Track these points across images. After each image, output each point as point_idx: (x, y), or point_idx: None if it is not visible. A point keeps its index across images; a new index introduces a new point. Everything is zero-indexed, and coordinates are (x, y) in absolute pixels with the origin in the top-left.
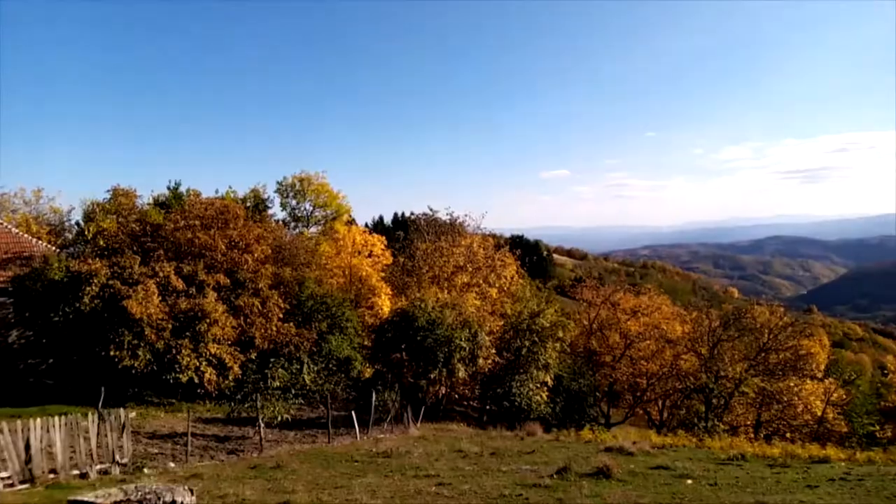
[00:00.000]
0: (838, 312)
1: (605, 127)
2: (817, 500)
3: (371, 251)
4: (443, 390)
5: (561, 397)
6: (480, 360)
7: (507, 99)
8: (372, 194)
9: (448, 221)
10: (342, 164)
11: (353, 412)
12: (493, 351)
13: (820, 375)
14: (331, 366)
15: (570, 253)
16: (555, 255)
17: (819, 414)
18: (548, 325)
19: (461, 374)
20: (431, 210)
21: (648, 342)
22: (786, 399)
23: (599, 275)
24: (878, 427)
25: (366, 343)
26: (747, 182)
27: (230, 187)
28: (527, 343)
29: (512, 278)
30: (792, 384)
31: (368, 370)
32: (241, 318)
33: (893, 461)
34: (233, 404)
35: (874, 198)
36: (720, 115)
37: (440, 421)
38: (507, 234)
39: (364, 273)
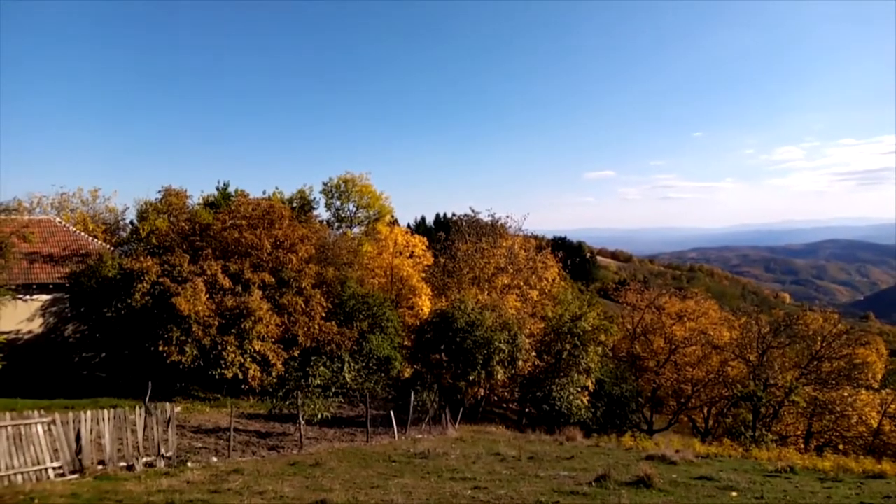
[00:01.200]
0: None
1: (651, 127)
2: None
3: (412, 252)
4: (481, 392)
5: (602, 402)
6: (520, 363)
7: (551, 98)
8: (415, 195)
9: (489, 222)
10: (386, 165)
11: (391, 412)
12: (533, 353)
13: (876, 386)
14: (371, 365)
15: (614, 255)
16: (598, 258)
17: (875, 426)
18: (590, 328)
19: (500, 376)
20: (473, 211)
21: (694, 348)
22: (839, 409)
23: (644, 278)
24: None
25: (406, 343)
26: (801, 184)
27: (277, 188)
28: (568, 346)
29: (553, 280)
30: (846, 394)
31: (408, 370)
32: (285, 316)
33: None
34: (275, 401)
35: None
36: (771, 115)
37: (479, 423)
38: (550, 236)
39: (405, 273)
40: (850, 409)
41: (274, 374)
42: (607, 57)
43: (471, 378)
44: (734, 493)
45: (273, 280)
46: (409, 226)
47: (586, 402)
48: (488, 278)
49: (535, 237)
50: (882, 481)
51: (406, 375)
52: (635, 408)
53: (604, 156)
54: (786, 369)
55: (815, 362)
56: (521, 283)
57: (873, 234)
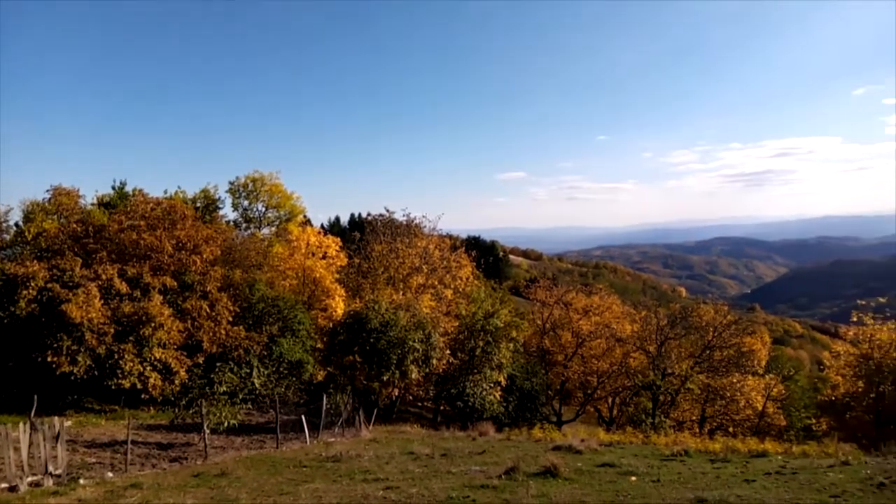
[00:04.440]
0: (780, 310)
1: (559, 130)
2: (753, 495)
3: (326, 253)
4: (396, 392)
5: (514, 396)
6: (434, 361)
7: (466, 101)
8: (329, 196)
9: (404, 223)
10: (298, 165)
11: (303, 416)
12: (448, 352)
13: (761, 371)
14: (282, 369)
15: (525, 254)
16: (511, 256)
17: (760, 409)
18: (502, 325)
19: (414, 375)
20: (388, 211)
21: (599, 341)
22: (729, 395)
23: (553, 275)
24: (814, 420)
25: (319, 346)
26: (695, 185)
27: (179, 187)
28: (481, 343)
29: (467, 279)
30: (735, 380)
31: (321, 373)
32: (189, 321)
33: (826, 454)
34: (177, 410)
35: (814, 200)
36: (668, 120)
37: (393, 423)
38: (464, 236)
39: (318, 275)
40: (739, 394)
41: (177, 382)
42: (518, 61)
43: (385, 378)
44: (633, 478)
45: (175, 284)
46: (322, 226)
47: (499, 398)
48: (403, 278)
49: (451, 237)
50: (765, 459)
51: (319, 379)
52: (545, 400)
53: (515, 157)
54: (682, 359)
55: (708, 351)
56: (436, 283)
57: (759, 232)
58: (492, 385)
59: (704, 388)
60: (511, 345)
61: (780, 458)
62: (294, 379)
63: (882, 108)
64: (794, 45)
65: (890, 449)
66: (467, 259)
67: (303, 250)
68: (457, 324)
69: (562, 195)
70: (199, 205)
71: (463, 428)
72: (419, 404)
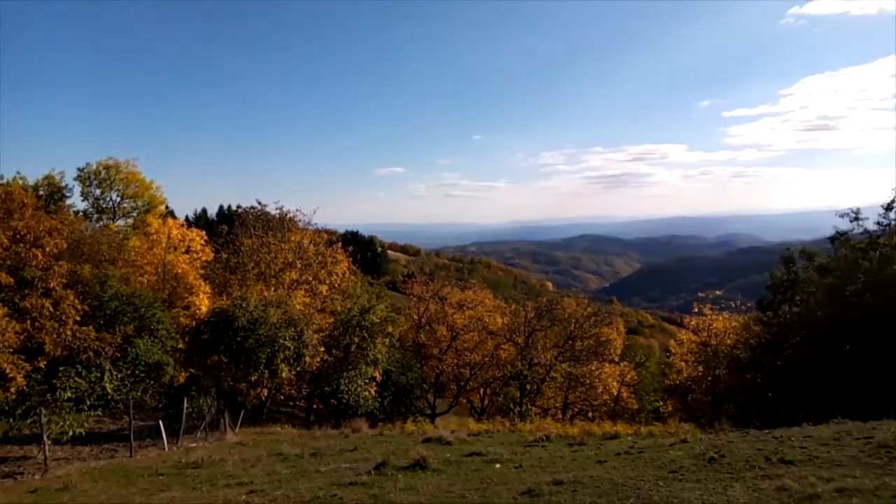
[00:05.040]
0: (634, 303)
1: (437, 127)
2: (604, 474)
3: (189, 247)
4: (266, 392)
5: (389, 391)
6: (307, 359)
7: (343, 94)
8: (198, 187)
9: (277, 216)
10: (159, 152)
11: (160, 421)
12: (322, 349)
13: (617, 359)
14: (138, 372)
15: (403, 249)
16: (389, 252)
17: (615, 394)
18: (378, 320)
19: (285, 374)
20: (260, 204)
21: (473, 334)
22: (588, 382)
23: (430, 270)
24: (661, 403)
25: (180, 346)
26: (562, 185)
27: (19, 172)
28: (356, 339)
29: (344, 275)
30: (594, 368)
31: (182, 375)
32: (28, 321)
33: (669, 433)
34: (12, 420)
35: (665, 202)
36: (537, 123)
37: (263, 424)
38: (342, 231)
39: (180, 270)
40: (597, 380)
41: (13, 389)
42: (396, 58)
43: (253, 378)
44: (498, 465)
45: (11, 280)
46: (187, 218)
47: (374, 393)
48: (275, 274)
49: (327, 231)
50: (617, 441)
51: (180, 381)
52: (420, 394)
53: (395, 153)
54: (547, 349)
55: (570, 341)
56: (311, 279)
57: (618, 230)
58: (367, 381)
59: (567, 377)
60: (387, 340)
61: (630, 439)
62: (152, 382)
63: (722, 119)
64: (648, 60)
65: (722, 426)
66: (344, 254)
67: (163, 244)
68: (332, 320)
69: (440, 192)
70: (42, 192)
71: (336, 426)
72: (291, 404)
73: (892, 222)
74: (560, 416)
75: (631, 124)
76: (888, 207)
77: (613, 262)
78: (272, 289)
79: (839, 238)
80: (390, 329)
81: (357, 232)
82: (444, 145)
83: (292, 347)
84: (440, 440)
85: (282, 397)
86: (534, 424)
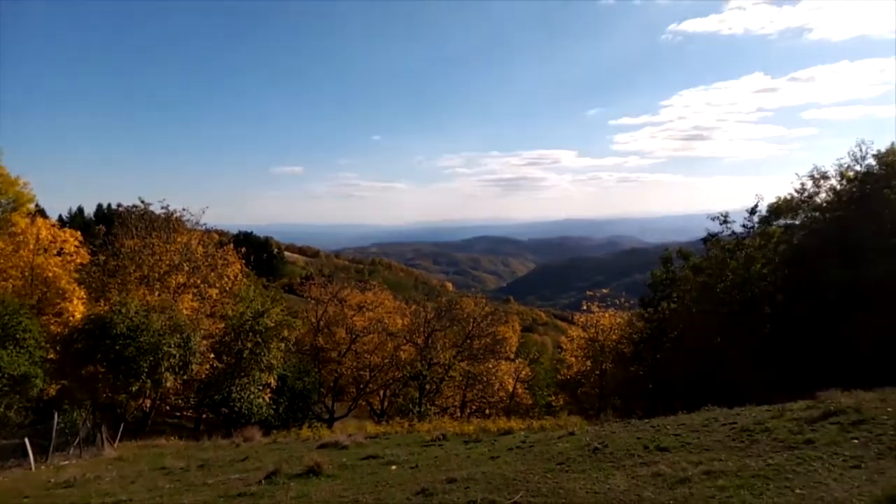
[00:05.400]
0: (529, 301)
1: (337, 127)
2: (496, 470)
3: (62, 248)
4: (149, 403)
5: (285, 398)
6: (195, 367)
7: (238, 92)
8: (72, 184)
9: (163, 216)
10: (26, 145)
11: (26, 438)
12: (212, 355)
13: (512, 357)
14: (1, 386)
15: (302, 251)
16: (287, 253)
17: (511, 390)
18: (273, 324)
19: (170, 383)
20: (143, 202)
21: (372, 336)
22: (485, 379)
23: (330, 272)
24: (553, 397)
25: (51, 356)
26: (462, 188)
27: None
28: (249, 345)
29: (236, 277)
30: (491, 366)
31: (53, 388)
32: None
33: (559, 426)
34: None
35: (558, 205)
36: (438, 126)
37: (147, 437)
38: (236, 231)
39: (51, 274)
40: (494, 378)
41: None
42: (295, 57)
43: (134, 389)
44: (394, 467)
45: None
46: (61, 218)
47: (268, 400)
48: (160, 277)
49: (220, 232)
50: (510, 436)
51: (51, 394)
52: (317, 399)
53: (292, 152)
54: (446, 348)
55: (468, 340)
56: (199, 282)
57: (514, 232)
58: (261, 388)
59: (465, 375)
60: (282, 344)
61: (522, 433)
62: (17, 396)
63: (609, 127)
64: (541, 68)
65: (607, 418)
66: (236, 256)
67: (31, 245)
68: (223, 325)
69: (340, 192)
70: None
71: (227, 435)
72: (178, 415)
73: (756, 225)
74: (458, 415)
75: (525, 130)
76: (752, 211)
77: (510, 262)
78: (156, 293)
79: (710, 239)
80: (286, 333)
81: (251, 233)
82: (344, 145)
83: (178, 355)
84: (336, 445)
85: (167, 408)
86: (432, 424)
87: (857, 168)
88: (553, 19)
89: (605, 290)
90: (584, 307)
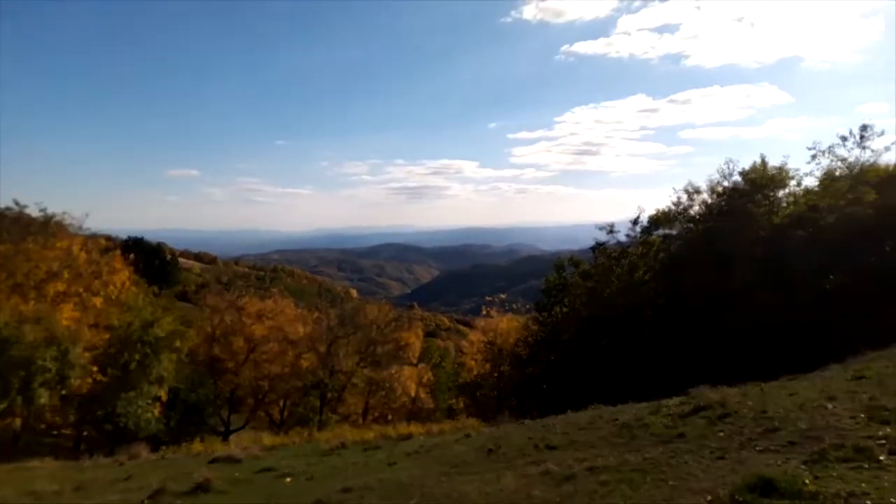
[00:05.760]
0: (433, 307)
1: (237, 129)
2: (393, 476)
3: None
4: (19, 422)
5: (177, 411)
6: (74, 381)
7: (127, 87)
8: None
9: (41, 219)
10: None
11: None
12: (95, 368)
13: (415, 362)
14: None
15: (198, 257)
16: (181, 259)
17: (413, 395)
18: (164, 334)
19: (44, 400)
20: (18, 205)
21: (272, 344)
22: (388, 385)
23: (228, 279)
24: (455, 401)
25: None
26: (367, 195)
27: None
28: (137, 356)
29: (123, 285)
30: (394, 372)
31: None
32: None
33: (458, 429)
34: None
35: (462, 213)
36: (344, 133)
37: (17, 459)
38: (125, 237)
39: None
40: (397, 383)
41: None
42: (191, 56)
43: (2, 407)
44: (289, 479)
45: None
46: None
47: (158, 414)
48: (36, 285)
49: (106, 237)
50: (410, 441)
51: None
52: (213, 411)
53: (188, 154)
54: (349, 355)
55: (372, 347)
56: (82, 290)
57: (419, 239)
58: (150, 401)
59: (368, 382)
60: (174, 355)
61: (422, 438)
62: None
63: (508, 140)
64: (445, 79)
65: (503, 419)
66: (123, 262)
67: None
68: (108, 336)
69: (240, 197)
70: None
71: (111, 453)
72: (56, 433)
73: (638, 235)
74: (361, 422)
75: (430, 140)
76: (635, 222)
77: (415, 269)
78: (31, 302)
79: (598, 248)
80: (178, 343)
81: (143, 238)
82: (245, 149)
83: (54, 369)
84: (230, 459)
85: (43, 426)
86: (331, 433)
87: (725, 183)
88: (458, 32)
89: (502, 296)
90: (484, 312)
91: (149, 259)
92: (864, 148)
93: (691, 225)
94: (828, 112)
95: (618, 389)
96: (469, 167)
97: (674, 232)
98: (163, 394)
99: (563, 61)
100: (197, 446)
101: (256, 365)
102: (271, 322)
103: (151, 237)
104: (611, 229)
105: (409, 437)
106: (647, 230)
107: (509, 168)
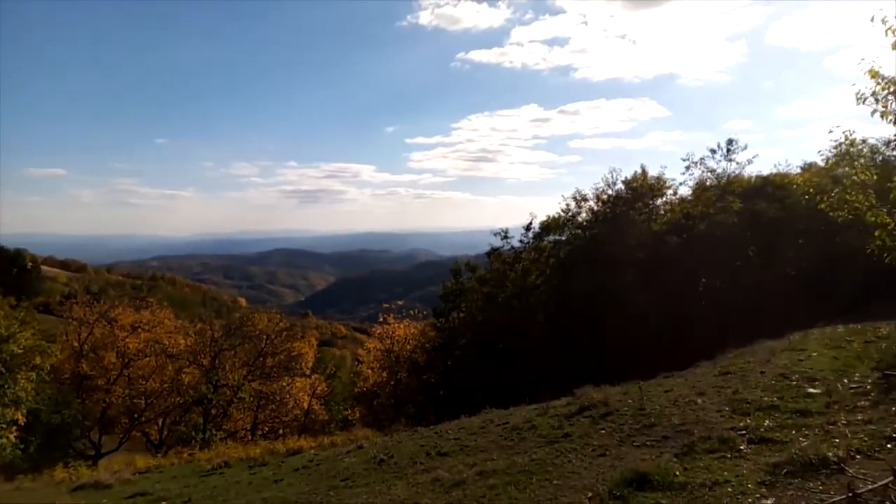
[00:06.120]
0: (329, 315)
1: (110, 126)
2: (278, 493)
3: None
4: None
5: (36, 435)
6: None
7: None
8: None
9: None
10: None
11: None
12: None
13: (308, 372)
14: None
15: (64, 264)
16: (44, 267)
17: (306, 407)
18: (21, 351)
19: None
20: None
21: (149, 359)
22: (279, 398)
23: (100, 289)
24: (350, 411)
25: None
26: (256, 198)
27: None
28: None
29: None
30: (284, 384)
31: None
32: None
33: (351, 440)
34: None
35: (359, 218)
36: (232, 132)
37: None
38: None
39: None
40: (288, 395)
41: None
42: (56, 44)
43: None
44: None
45: None
46: None
47: (14, 439)
48: None
49: None
50: (299, 456)
51: None
52: (80, 434)
53: (53, 151)
54: (236, 368)
55: (261, 358)
56: None
57: (314, 244)
58: (4, 426)
59: (256, 395)
60: (34, 374)
61: (312, 452)
62: None
63: (406, 145)
64: (342, 82)
65: (398, 427)
66: None
67: None
68: None
69: (114, 199)
70: None
71: None
72: None
73: (531, 240)
74: (249, 438)
75: (325, 142)
76: (527, 228)
77: (309, 275)
78: None
79: (493, 253)
80: (39, 360)
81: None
82: (121, 147)
83: None
84: (97, 485)
85: None
86: (214, 451)
87: (610, 192)
88: (353, 34)
89: (399, 302)
90: (381, 319)
91: (5, 267)
92: (730, 160)
93: (579, 231)
94: (700, 126)
95: (512, 392)
96: (366, 171)
97: (563, 238)
98: (20, 417)
99: (458, 68)
100: (60, 473)
101: (131, 381)
102: (148, 334)
103: (8, 242)
104: (505, 235)
105: (298, 451)
106: (538, 236)
107: (407, 173)
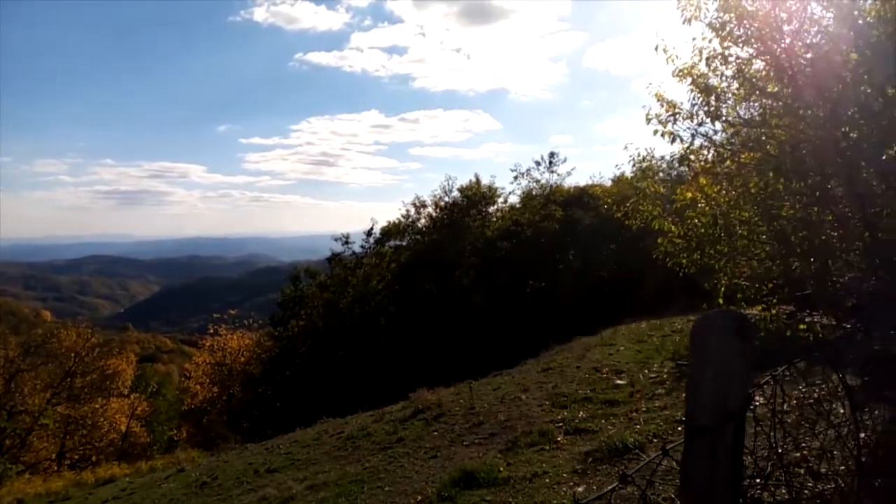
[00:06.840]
0: (152, 327)
1: None
2: None
3: None
4: None
5: None
6: None
7: None
8: None
9: None
10: None
11: None
12: None
13: (127, 392)
14: None
15: None
16: None
17: (124, 430)
18: None
19: None
20: None
21: None
22: (91, 422)
23: None
24: (176, 431)
25: None
26: (66, 198)
27: None
28: None
29: None
30: (98, 406)
31: None
32: None
33: (173, 464)
34: None
35: (187, 221)
36: (35, 125)
37: None
38: None
39: None
40: (102, 418)
41: None
42: None
43: None
44: None
45: None
46: None
47: None
48: None
49: None
50: (112, 485)
51: None
52: None
53: None
54: (37, 392)
55: (69, 379)
56: None
57: (134, 251)
58: None
59: (63, 420)
60: None
61: (127, 479)
62: None
63: (240, 145)
64: (166, 75)
65: (226, 445)
66: None
67: None
68: None
69: None
70: None
71: None
72: None
73: (372, 246)
74: (54, 469)
75: (146, 140)
76: (369, 233)
77: (129, 285)
78: None
79: (334, 259)
80: None
81: None
82: None
83: None
84: None
85: None
86: (7, 489)
87: (447, 199)
88: (179, 26)
89: (233, 311)
90: (211, 330)
91: None
92: (552, 172)
93: (419, 236)
94: (529, 139)
95: (353, 399)
96: (195, 171)
97: (404, 243)
98: None
99: (297, 69)
100: None
101: None
102: None
103: None
104: (346, 240)
105: (111, 480)
106: (380, 241)
107: (242, 175)
